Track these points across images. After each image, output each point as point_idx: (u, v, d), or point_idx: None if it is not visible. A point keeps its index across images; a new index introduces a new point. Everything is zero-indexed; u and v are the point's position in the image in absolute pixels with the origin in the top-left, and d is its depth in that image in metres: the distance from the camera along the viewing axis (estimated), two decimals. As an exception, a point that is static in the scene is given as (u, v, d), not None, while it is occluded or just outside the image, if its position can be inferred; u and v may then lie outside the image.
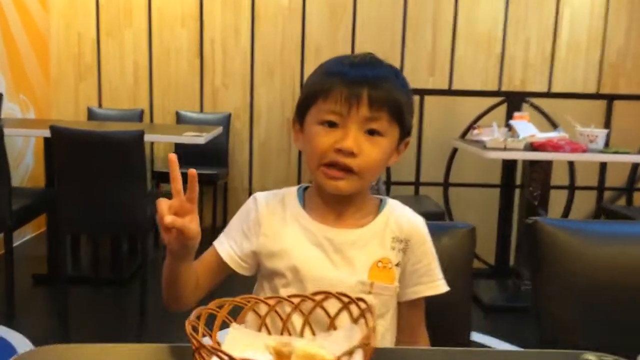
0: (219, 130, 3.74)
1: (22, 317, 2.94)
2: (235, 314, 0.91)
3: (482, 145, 3.28)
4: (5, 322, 2.84)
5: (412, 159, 4.12)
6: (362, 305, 0.84)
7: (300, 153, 4.54)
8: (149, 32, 4.57)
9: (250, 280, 1.13)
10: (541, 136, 3.26)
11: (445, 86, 4.62)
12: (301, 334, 0.92)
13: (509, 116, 3.71)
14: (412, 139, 1.13)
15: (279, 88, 4.62)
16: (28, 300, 3.20)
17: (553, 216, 3.58)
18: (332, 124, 0.98)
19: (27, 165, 4.18)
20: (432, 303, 1.08)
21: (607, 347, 0.90)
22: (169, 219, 0.87)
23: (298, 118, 1.05)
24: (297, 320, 0.93)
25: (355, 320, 0.86)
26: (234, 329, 0.85)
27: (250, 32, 4.59)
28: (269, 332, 0.92)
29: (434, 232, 1.10)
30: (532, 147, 3.18)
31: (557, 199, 3.62)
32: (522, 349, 1.14)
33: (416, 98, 3.84)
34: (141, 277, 2.91)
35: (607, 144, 3.35)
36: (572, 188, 3.89)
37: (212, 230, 4.26)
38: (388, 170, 3.95)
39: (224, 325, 0.87)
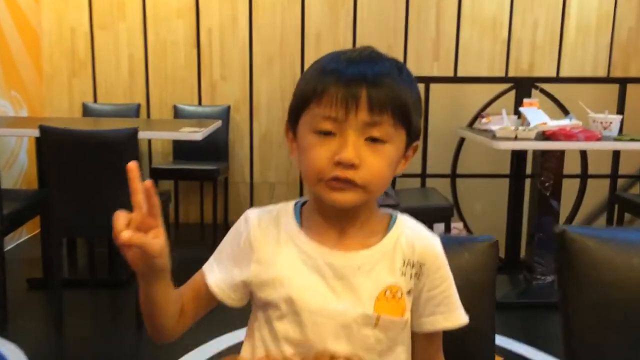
0: (217, 124, 3.62)
1: (16, 324, 2.85)
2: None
3: (491, 134, 3.14)
4: (-1, 329, 2.75)
5: (418, 150, 3.97)
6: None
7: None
8: (143, 24, 4.43)
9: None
10: (553, 124, 3.12)
11: (450, 72, 4.48)
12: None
13: (518, 103, 3.57)
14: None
15: (279, 79, 4.49)
16: (22, 305, 3.10)
17: (565, 206, 3.45)
18: (328, 133, 0.84)
19: (21, 165, 4.06)
20: (450, 330, 0.95)
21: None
22: (125, 235, 0.77)
23: (290, 125, 0.92)
24: None
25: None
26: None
27: (248, 21, 4.44)
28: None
29: (450, 249, 0.96)
30: (544, 135, 3.04)
31: (568, 188, 3.48)
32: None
33: (421, 86, 3.69)
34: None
35: (620, 131, 3.22)
36: (584, 177, 3.75)
37: (213, 227, 4.16)
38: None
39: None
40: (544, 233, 3.25)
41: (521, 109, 3.37)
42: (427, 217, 3.18)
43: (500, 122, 3.29)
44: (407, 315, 0.90)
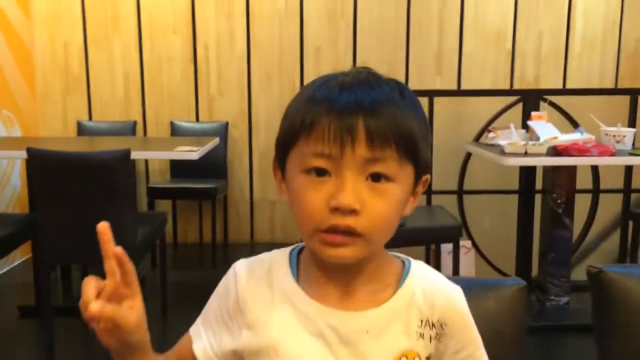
0: (215, 141, 3.50)
1: (7, 354, 2.72)
2: None
3: (499, 149, 3.02)
4: (-12, 361, 2.63)
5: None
6: None
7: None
8: (139, 39, 4.32)
9: None
10: (564, 138, 3.00)
11: (453, 85, 4.37)
12: None
13: (525, 116, 3.45)
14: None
15: (277, 94, 4.37)
16: (13, 334, 2.97)
17: (576, 222, 3.31)
18: (321, 172, 0.71)
19: (14, 188, 3.92)
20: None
21: None
22: (95, 306, 0.66)
23: (278, 163, 0.79)
24: None
25: None
26: None
27: (245, 36, 4.34)
28: None
29: (474, 295, 0.83)
30: (555, 151, 2.91)
31: (580, 203, 3.35)
32: None
33: (424, 100, 3.59)
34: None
35: (633, 144, 3.10)
36: (596, 191, 3.62)
37: (212, 248, 4.03)
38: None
39: None
40: (557, 251, 3.12)
41: (530, 122, 3.25)
42: (434, 237, 3.06)
43: (509, 136, 3.16)
44: None
